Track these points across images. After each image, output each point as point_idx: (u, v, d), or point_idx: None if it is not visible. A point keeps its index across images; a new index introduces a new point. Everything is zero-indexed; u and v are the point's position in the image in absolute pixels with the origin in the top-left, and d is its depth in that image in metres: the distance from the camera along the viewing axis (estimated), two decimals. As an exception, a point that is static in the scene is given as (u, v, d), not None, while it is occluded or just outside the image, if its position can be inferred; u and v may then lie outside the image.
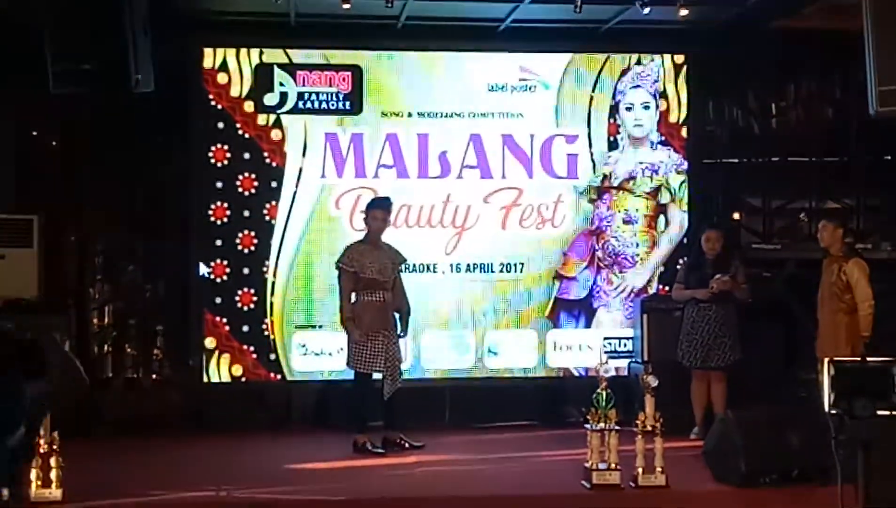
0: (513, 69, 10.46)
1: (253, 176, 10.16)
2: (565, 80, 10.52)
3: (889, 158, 11.07)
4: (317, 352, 9.75)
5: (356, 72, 10.25)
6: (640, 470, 7.62)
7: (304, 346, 9.94)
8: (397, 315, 8.98)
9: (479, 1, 9.66)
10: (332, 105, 10.24)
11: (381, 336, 8.65)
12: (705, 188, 10.84)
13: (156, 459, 8.74)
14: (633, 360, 10.13)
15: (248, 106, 10.16)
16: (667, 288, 10.12)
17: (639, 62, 10.59)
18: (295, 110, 10.21)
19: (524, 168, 10.45)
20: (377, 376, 8.72)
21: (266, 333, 10.15)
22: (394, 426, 8.88)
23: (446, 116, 10.38)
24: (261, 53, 10.19)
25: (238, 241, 10.15)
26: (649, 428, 7.65)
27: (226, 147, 10.14)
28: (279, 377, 10.16)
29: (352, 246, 8.89)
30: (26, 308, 9.90)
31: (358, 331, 8.64)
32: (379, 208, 8.90)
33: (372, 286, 8.68)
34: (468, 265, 10.35)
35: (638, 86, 10.59)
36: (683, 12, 9.45)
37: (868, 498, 4.15)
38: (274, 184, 10.18)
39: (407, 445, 8.81)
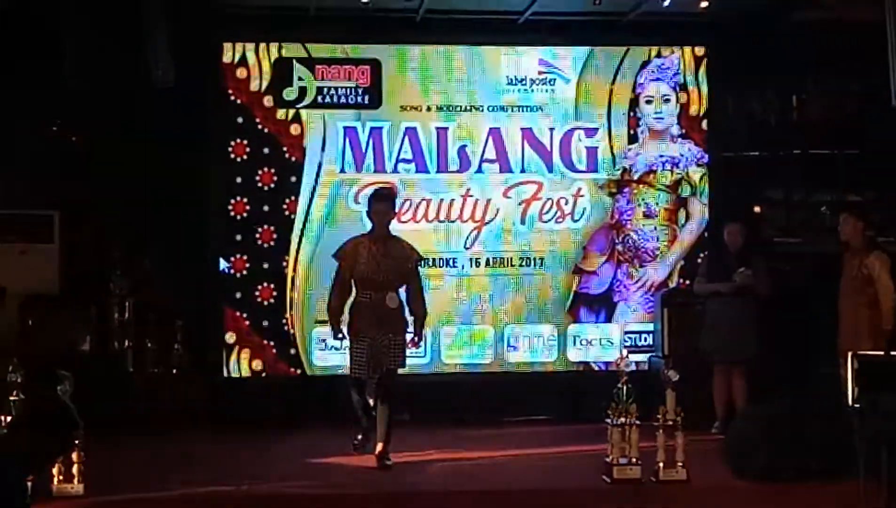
0: (532, 63, 10.44)
1: (272, 171, 10.18)
2: (585, 73, 10.51)
3: (911, 151, 11.02)
4: (336, 347, 9.68)
5: (375, 66, 10.26)
6: (660, 465, 7.63)
7: (323, 341, 9.94)
8: (411, 319, 8.33)
9: (497, -6, 9.68)
10: (351, 99, 10.25)
11: (369, 340, 7.96)
12: (726, 182, 10.80)
13: (176, 454, 8.77)
14: (654, 354, 10.12)
15: (268, 101, 10.18)
16: (688, 282, 10.11)
17: (659, 55, 10.57)
18: (314, 105, 10.22)
19: (544, 162, 10.44)
20: None
21: (286, 328, 10.18)
22: (383, 439, 8.00)
23: (465, 110, 10.38)
24: (280, 48, 10.20)
25: (258, 236, 10.17)
26: (670, 423, 7.65)
27: (245, 142, 10.16)
28: (299, 371, 10.20)
29: (352, 238, 8.35)
30: (48, 303, 9.97)
31: (335, 330, 8.21)
32: (381, 201, 8.26)
33: (364, 285, 8.06)
34: (487, 260, 10.36)
35: (658, 79, 10.57)
36: (704, 4, 9.45)
37: (893, 495, 4.13)
38: (293, 179, 10.20)
39: (379, 464, 7.92)
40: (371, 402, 8.19)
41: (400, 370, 8.18)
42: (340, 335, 8.16)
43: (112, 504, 7.25)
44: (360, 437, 8.28)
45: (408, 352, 8.24)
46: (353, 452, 8.20)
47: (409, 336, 8.27)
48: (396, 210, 8.62)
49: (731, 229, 9.42)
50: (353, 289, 8.14)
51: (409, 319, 8.30)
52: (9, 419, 6.99)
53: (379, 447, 7.95)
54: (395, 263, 8.08)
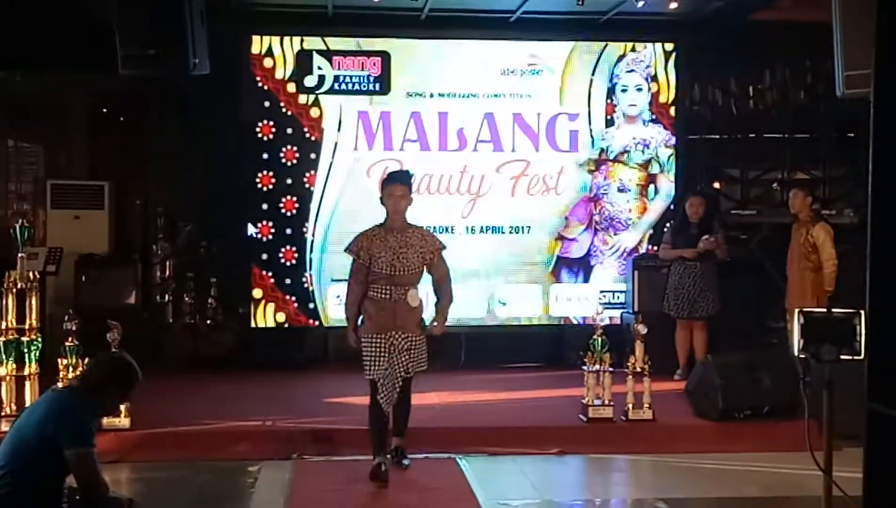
0: (522, 55, 10.38)
1: (294, 149, 10.15)
2: (568, 65, 10.45)
3: (852, 135, 10.99)
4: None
5: (385, 57, 10.20)
6: (630, 406, 7.67)
7: (338, 297, 9.86)
8: (430, 314, 6.83)
9: (492, -5, 9.62)
10: (364, 86, 10.20)
11: (384, 340, 6.32)
12: (690, 161, 10.79)
13: (210, 393, 8.81)
14: (625, 311, 10.11)
15: (291, 87, 10.13)
16: (655, 248, 10.11)
17: (633, 49, 10.51)
18: (331, 91, 10.16)
19: (531, 143, 10.40)
20: None
21: (306, 285, 10.17)
22: (398, 432, 6.64)
23: (463, 96, 10.32)
24: (302, 41, 10.14)
25: (282, 205, 10.15)
26: (639, 370, 7.69)
27: (271, 123, 10.13)
28: (317, 323, 10.20)
29: (365, 232, 6.55)
30: (100, 262, 9.98)
31: (351, 335, 6.54)
32: (396, 183, 6.48)
33: (382, 282, 6.35)
34: (481, 228, 10.34)
35: (632, 70, 10.52)
36: (673, 5, 9.41)
37: (830, 431, 4.14)
38: (313, 155, 10.16)
39: (396, 462, 6.54)
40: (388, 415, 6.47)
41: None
42: (355, 341, 6.52)
43: (154, 436, 7.29)
44: (377, 464, 6.35)
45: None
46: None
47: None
48: (412, 194, 6.62)
49: (694, 202, 9.43)
50: (369, 286, 6.46)
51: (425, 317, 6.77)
52: (77, 371, 7.04)
53: (394, 441, 6.59)
54: (417, 255, 6.41)
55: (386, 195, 6.44)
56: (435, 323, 6.69)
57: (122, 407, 7.20)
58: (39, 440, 4.24)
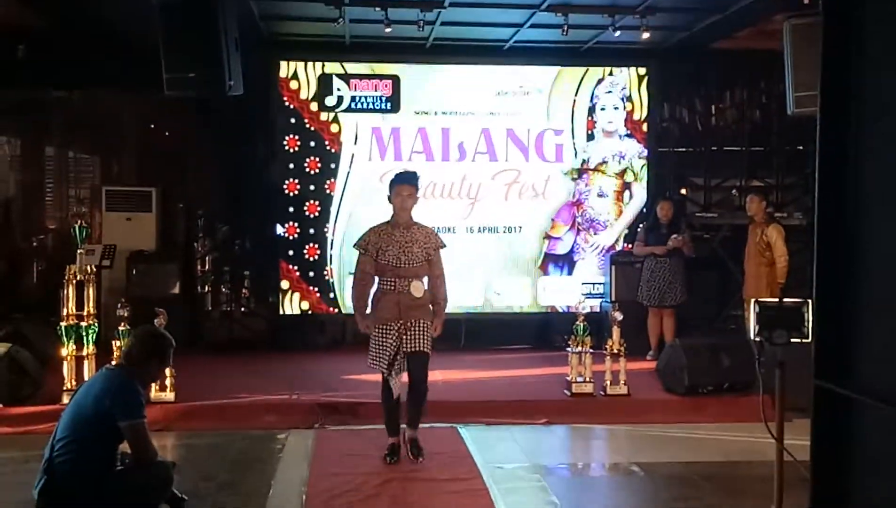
0: (514, 79, 10.36)
1: (317, 159, 10.14)
2: (554, 87, 10.42)
3: (801, 148, 10.99)
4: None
5: (395, 80, 10.19)
6: (608, 383, 7.68)
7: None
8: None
9: (488, 27, 9.58)
10: (377, 105, 10.19)
11: (393, 330, 5.94)
12: (660, 170, 10.78)
13: (243, 370, 8.81)
14: (604, 300, 10.10)
15: (314, 106, 10.12)
16: (630, 246, 10.10)
17: (611, 73, 10.48)
18: (349, 109, 10.15)
19: (522, 154, 10.38)
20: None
21: (327, 278, 10.17)
22: (411, 423, 6.16)
23: (463, 114, 10.29)
24: (323, 66, 10.13)
25: (305, 208, 10.14)
26: (615, 351, 7.70)
27: (296, 137, 10.12)
28: (336, 310, 10.20)
29: (373, 227, 6.20)
30: (148, 258, 9.99)
31: (363, 322, 6.12)
32: (403, 183, 6.08)
33: (389, 274, 5.99)
34: (479, 228, 10.33)
35: (610, 91, 10.50)
36: (645, 35, 9.38)
37: (782, 404, 4.15)
38: (332, 165, 10.16)
39: (411, 455, 6.08)
40: (398, 395, 6.13)
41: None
42: (366, 326, 6.11)
43: (195, 408, 7.30)
44: (390, 448, 6.14)
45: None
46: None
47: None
48: (419, 194, 6.21)
49: (664, 206, 9.43)
50: (376, 278, 6.12)
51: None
52: (120, 344, 7.05)
53: (409, 433, 6.13)
54: (420, 249, 6.05)
55: (394, 194, 6.07)
56: (434, 324, 6.12)
57: (168, 382, 7.23)
58: (96, 414, 4.25)
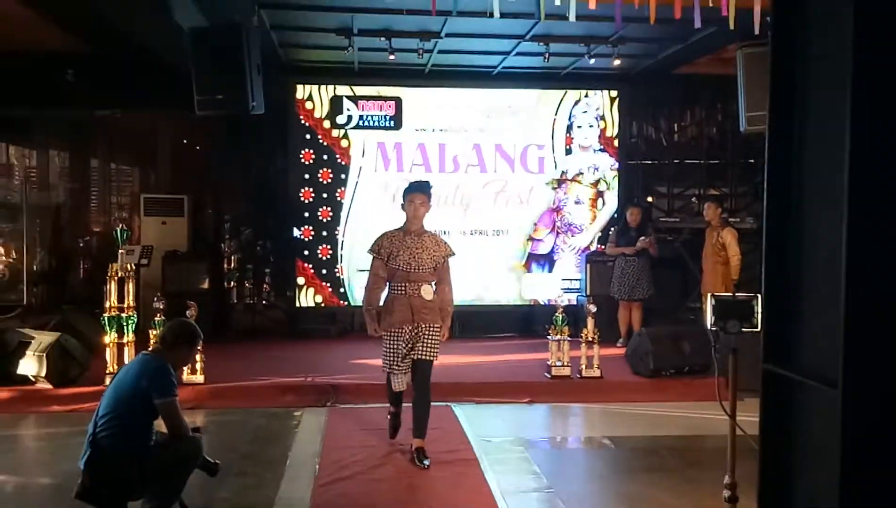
0: (502, 100, 10.37)
1: (329, 170, 10.13)
2: (537, 107, 10.44)
3: (752, 161, 11.02)
4: (371, 287, 9.71)
5: (398, 101, 10.18)
6: (583, 366, 7.68)
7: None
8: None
9: (479, 54, 9.58)
10: (382, 123, 10.18)
11: (405, 333, 5.49)
12: (629, 180, 10.79)
13: (264, 356, 8.81)
14: (580, 294, 10.12)
15: (326, 124, 10.12)
16: (603, 247, 10.11)
17: (586, 95, 10.49)
18: (357, 127, 10.14)
19: (509, 166, 10.38)
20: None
21: (338, 274, 10.16)
22: (417, 432, 5.57)
23: (457, 131, 10.28)
24: (334, 88, 10.13)
25: (319, 213, 10.13)
26: (590, 339, 7.70)
27: (311, 151, 10.11)
28: (346, 303, 10.20)
29: (385, 233, 5.70)
30: (181, 257, 9.98)
31: (372, 324, 5.60)
32: (416, 192, 5.61)
33: (399, 278, 5.54)
34: (471, 231, 10.33)
35: (585, 111, 10.51)
36: (616, 62, 9.41)
37: (735, 385, 4.16)
38: (343, 176, 10.15)
39: (417, 462, 5.46)
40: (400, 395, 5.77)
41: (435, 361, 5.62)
42: (375, 330, 5.61)
43: (222, 389, 7.29)
44: (391, 418, 5.92)
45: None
46: None
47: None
48: (430, 203, 5.71)
49: (633, 211, 9.42)
50: (387, 283, 5.65)
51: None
52: (156, 333, 7.04)
53: (415, 443, 5.52)
54: (430, 257, 5.58)
55: (407, 201, 5.58)
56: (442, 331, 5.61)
57: (198, 366, 7.22)
58: (135, 393, 4.25)
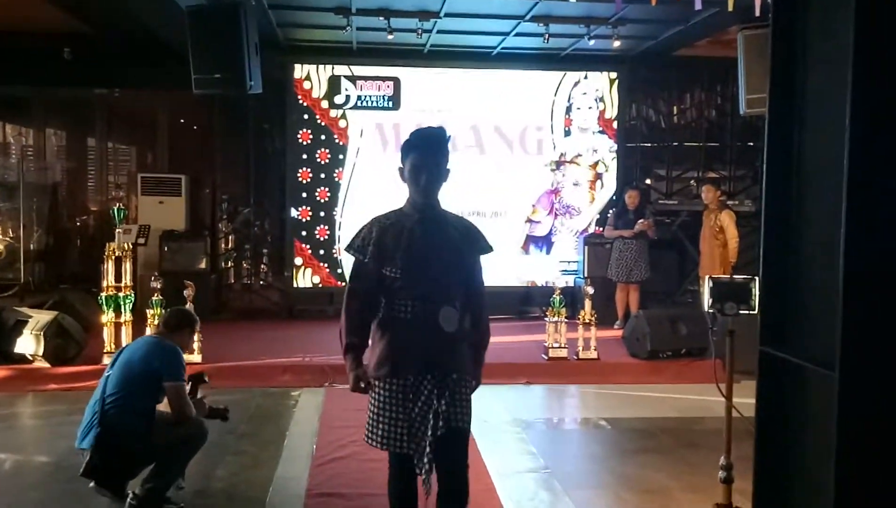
0: (501, 81, 10.33)
1: (327, 151, 10.11)
2: (536, 89, 10.40)
3: (751, 144, 11.00)
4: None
5: (396, 81, 10.15)
6: (580, 348, 7.70)
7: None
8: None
9: (478, 35, 9.52)
10: (380, 104, 10.16)
11: (411, 384, 3.18)
12: (628, 162, 10.79)
13: (262, 336, 8.82)
14: (578, 276, 10.13)
15: (324, 104, 10.09)
16: (601, 229, 10.11)
17: (586, 77, 10.46)
18: (355, 107, 10.12)
19: (508, 147, 10.36)
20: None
21: (335, 255, 10.16)
22: None
23: (456, 112, 10.24)
24: (332, 68, 10.09)
25: (317, 194, 10.12)
26: (587, 321, 7.71)
27: (309, 131, 10.09)
28: (342, 283, 10.20)
29: (376, 219, 3.43)
30: (178, 236, 9.97)
31: (355, 372, 3.31)
32: (428, 149, 3.35)
33: (401, 293, 3.25)
34: (469, 212, 10.27)
35: (585, 93, 10.48)
36: (616, 44, 9.36)
37: (731, 368, 4.17)
38: (341, 156, 10.13)
39: None
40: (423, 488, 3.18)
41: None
42: (362, 382, 3.29)
43: (220, 369, 7.27)
44: None
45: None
46: None
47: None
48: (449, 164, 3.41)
49: (631, 194, 9.41)
50: (382, 300, 3.33)
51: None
52: (153, 313, 7.04)
53: None
54: (452, 253, 3.36)
55: (410, 166, 3.32)
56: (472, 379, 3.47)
57: (196, 346, 7.23)
58: (145, 373, 4.29)
